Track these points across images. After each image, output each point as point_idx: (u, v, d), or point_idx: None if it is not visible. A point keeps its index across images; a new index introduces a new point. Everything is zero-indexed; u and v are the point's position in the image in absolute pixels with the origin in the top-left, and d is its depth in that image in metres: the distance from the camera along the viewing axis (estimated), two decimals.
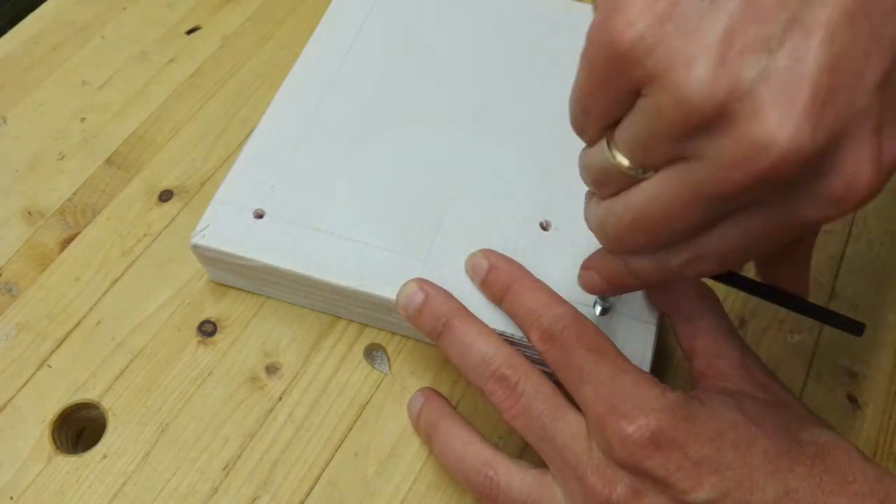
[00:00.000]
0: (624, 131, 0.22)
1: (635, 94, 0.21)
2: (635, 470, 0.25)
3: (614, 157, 0.22)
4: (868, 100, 0.19)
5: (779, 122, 0.18)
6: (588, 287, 0.29)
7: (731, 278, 0.29)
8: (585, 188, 0.26)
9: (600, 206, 0.25)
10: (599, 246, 0.27)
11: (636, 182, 0.23)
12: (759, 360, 0.29)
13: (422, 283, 0.32)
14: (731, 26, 0.19)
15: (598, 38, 0.20)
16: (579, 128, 0.24)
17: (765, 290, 0.30)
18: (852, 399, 0.34)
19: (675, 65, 0.19)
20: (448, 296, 0.31)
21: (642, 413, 0.25)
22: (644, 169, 0.22)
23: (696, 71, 0.19)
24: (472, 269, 0.33)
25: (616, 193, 0.24)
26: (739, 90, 0.19)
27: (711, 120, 0.19)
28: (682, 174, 0.21)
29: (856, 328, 0.29)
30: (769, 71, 0.19)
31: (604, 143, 0.23)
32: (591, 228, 0.26)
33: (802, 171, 0.19)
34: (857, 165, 0.19)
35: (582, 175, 0.25)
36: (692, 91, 0.19)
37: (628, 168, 0.22)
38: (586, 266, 0.29)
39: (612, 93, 0.21)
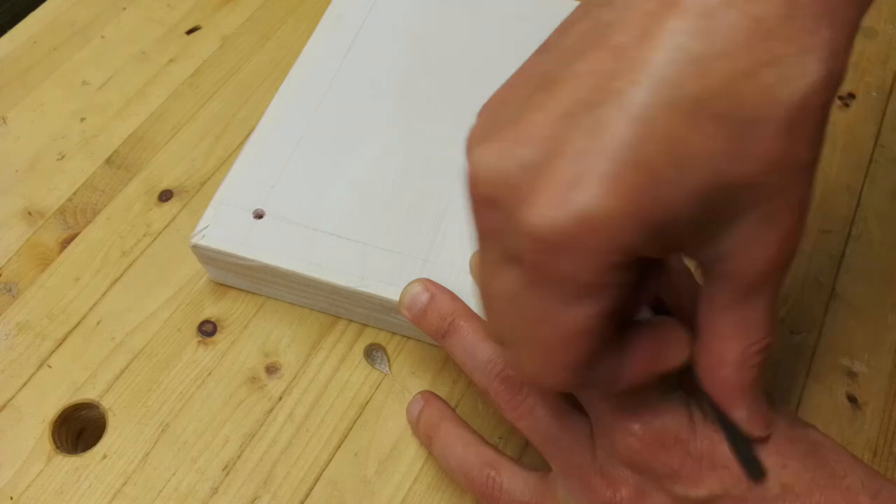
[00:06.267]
0: None
1: None
2: (640, 468, 0.25)
3: None
4: None
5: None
6: None
7: None
8: None
9: None
10: None
11: None
12: None
13: (426, 283, 0.32)
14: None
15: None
16: None
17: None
18: (852, 399, 0.34)
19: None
20: (453, 296, 0.31)
21: (648, 412, 0.25)
22: None
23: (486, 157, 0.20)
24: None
25: None
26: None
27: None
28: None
29: (755, 471, 0.25)
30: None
31: None
32: None
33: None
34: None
35: None
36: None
37: None
38: None
39: None
